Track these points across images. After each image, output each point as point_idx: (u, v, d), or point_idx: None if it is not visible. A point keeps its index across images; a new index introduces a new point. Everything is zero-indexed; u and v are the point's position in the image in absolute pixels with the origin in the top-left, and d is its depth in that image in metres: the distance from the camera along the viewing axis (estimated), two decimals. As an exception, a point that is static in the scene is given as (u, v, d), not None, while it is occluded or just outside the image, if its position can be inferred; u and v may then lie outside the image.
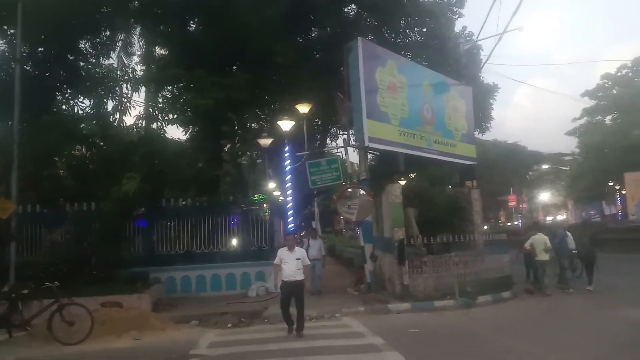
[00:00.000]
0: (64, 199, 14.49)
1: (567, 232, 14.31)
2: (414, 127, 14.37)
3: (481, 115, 21.55)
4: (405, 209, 13.18)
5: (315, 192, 20.37)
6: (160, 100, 16.35)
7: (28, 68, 14.40)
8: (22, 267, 11.42)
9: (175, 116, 15.56)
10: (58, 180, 15.72)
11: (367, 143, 12.64)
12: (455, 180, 17.44)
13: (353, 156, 15.27)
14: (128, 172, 12.57)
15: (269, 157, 20.58)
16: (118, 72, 16.54)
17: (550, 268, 13.36)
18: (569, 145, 57.90)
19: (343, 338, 8.63)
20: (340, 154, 15.74)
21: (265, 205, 16.31)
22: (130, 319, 9.58)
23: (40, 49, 14.97)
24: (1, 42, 15.01)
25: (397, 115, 13.77)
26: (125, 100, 15.59)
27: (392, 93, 13.69)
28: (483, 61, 20.71)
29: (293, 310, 8.92)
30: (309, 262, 9.63)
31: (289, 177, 15.35)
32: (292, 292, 8.96)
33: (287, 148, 15.51)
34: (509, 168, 51.04)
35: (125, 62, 19.19)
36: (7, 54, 14.86)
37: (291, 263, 8.98)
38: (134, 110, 16.35)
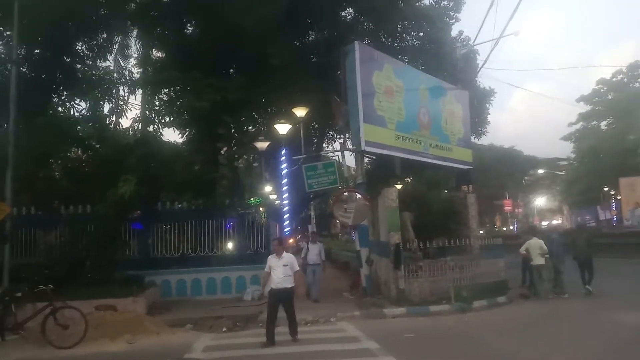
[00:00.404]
0: (59, 201, 14.42)
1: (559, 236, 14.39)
2: (410, 131, 14.41)
3: (477, 119, 21.60)
4: (401, 213, 13.20)
5: (311, 196, 20.35)
6: (157, 102, 16.32)
7: (24, 70, 14.37)
8: (16, 269, 11.34)
9: (172, 119, 15.53)
10: (53, 182, 15.64)
11: (363, 147, 12.66)
12: (451, 185, 17.48)
13: (349, 160, 15.30)
14: (124, 174, 12.53)
15: (266, 160, 20.55)
16: (115, 75, 16.51)
17: (546, 272, 13.39)
18: (565, 150, 58.07)
19: (338, 342, 8.61)
20: (336, 157, 15.75)
21: (261, 209, 16.28)
22: (124, 323, 9.54)
23: (36, 51, 14.93)
24: (-2, 43, 14.98)
25: (394, 119, 13.80)
26: (122, 103, 15.58)
27: (388, 97, 13.72)
28: (479, 66, 20.78)
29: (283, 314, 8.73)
30: (298, 268, 9.15)
31: (285, 180, 15.35)
32: (280, 301, 8.64)
33: (283, 151, 15.51)
34: (505, 172, 51.21)
35: (122, 64, 19.20)
36: (3, 55, 14.82)
37: (278, 270, 8.65)
38: (130, 113, 16.36)
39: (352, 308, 11.79)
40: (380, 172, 18.64)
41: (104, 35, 16.16)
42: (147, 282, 12.89)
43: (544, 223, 56.55)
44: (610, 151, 43.45)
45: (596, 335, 8.72)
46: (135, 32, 18.13)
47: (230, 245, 15.55)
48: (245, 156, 24.39)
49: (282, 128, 15.92)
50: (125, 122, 15.62)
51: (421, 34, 20.37)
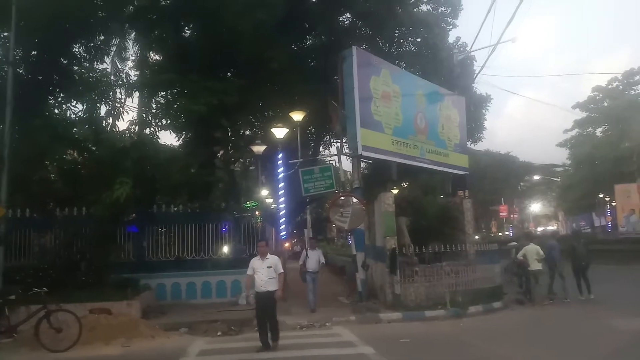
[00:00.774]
0: (55, 203, 14.35)
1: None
2: (407, 136, 14.45)
3: (474, 125, 21.70)
4: (398, 218, 13.21)
5: (307, 200, 20.33)
6: (154, 105, 16.29)
7: (21, 71, 14.29)
8: (10, 271, 11.27)
9: (168, 122, 15.49)
10: (49, 184, 15.57)
11: (360, 151, 12.68)
12: (447, 190, 17.50)
13: (346, 164, 15.29)
14: (120, 177, 12.48)
15: (262, 164, 20.55)
16: (112, 77, 16.45)
17: (542, 278, 13.42)
18: (560, 156, 58.19)
19: (334, 347, 8.60)
20: (333, 161, 15.74)
21: (257, 213, 16.26)
22: (119, 326, 9.50)
23: (33, 52, 14.87)
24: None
25: (391, 124, 13.84)
26: (119, 105, 15.49)
27: (385, 102, 13.76)
28: (476, 72, 20.89)
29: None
30: (282, 270, 8.84)
31: (281, 184, 15.32)
32: (263, 305, 8.46)
33: (280, 155, 15.49)
34: (501, 178, 51.30)
35: (119, 66, 19.16)
36: (-1, 56, 14.76)
37: (262, 272, 8.43)
38: (127, 115, 16.27)
39: (348, 313, 11.77)
40: (376, 176, 18.68)
41: (102, 38, 16.09)
42: (141, 285, 12.82)
43: (539, 229, 56.71)
44: (605, 158, 43.60)
45: (591, 340, 8.74)
46: (132, 35, 18.11)
47: (225, 248, 15.52)
48: (241, 160, 24.46)
49: (279, 132, 15.93)
50: (122, 125, 15.56)
51: (418, 39, 20.47)
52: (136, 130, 16.04)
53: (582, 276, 13.21)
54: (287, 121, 16.57)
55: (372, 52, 16.06)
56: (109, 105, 15.24)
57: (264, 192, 22.55)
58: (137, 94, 17.05)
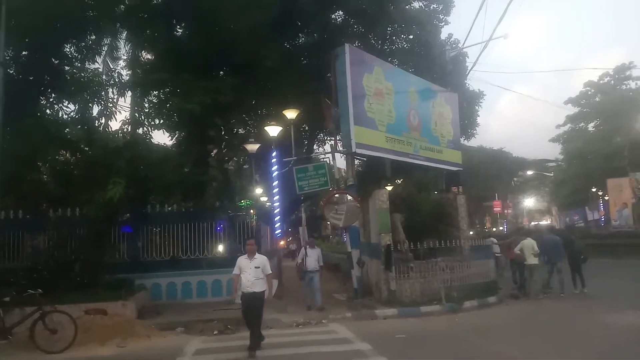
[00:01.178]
0: (47, 204, 14.25)
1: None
2: (400, 133, 14.49)
3: (467, 121, 21.79)
4: (392, 215, 13.25)
5: (302, 198, 20.33)
6: (146, 105, 16.20)
7: (11, 71, 14.18)
8: (4, 273, 11.19)
9: (161, 121, 15.41)
10: (41, 185, 15.46)
11: (354, 149, 12.71)
12: (441, 186, 17.57)
13: (340, 162, 15.33)
14: (113, 177, 12.41)
15: (256, 162, 20.52)
16: (104, 77, 16.35)
17: (537, 272, 13.49)
18: (553, 151, 58.51)
19: (330, 344, 8.62)
20: (327, 159, 15.77)
21: (252, 211, 16.23)
22: (114, 326, 9.48)
23: (24, 52, 14.75)
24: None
25: (384, 122, 13.87)
26: (111, 105, 15.39)
27: (378, 99, 13.79)
28: (469, 68, 20.97)
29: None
30: (271, 271, 8.48)
31: (276, 182, 15.31)
32: (248, 307, 8.09)
33: (274, 153, 15.48)
34: (494, 174, 51.47)
35: (111, 66, 19.01)
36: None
37: (249, 272, 8.05)
38: (119, 115, 16.17)
39: (344, 309, 11.80)
40: (370, 173, 18.70)
41: (93, 37, 15.97)
42: (137, 285, 12.75)
43: (533, 223, 56.99)
44: (597, 153, 43.86)
45: (586, 335, 8.82)
46: (124, 34, 17.99)
47: (220, 247, 15.47)
48: (235, 158, 24.39)
49: (273, 130, 15.91)
50: (115, 125, 15.46)
51: (411, 36, 20.51)
52: (129, 130, 15.95)
53: (574, 271, 13.30)
54: (280, 119, 16.56)
55: (365, 49, 16.08)
56: (101, 105, 15.13)
57: (258, 191, 22.53)
58: (129, 93, 16.96)
